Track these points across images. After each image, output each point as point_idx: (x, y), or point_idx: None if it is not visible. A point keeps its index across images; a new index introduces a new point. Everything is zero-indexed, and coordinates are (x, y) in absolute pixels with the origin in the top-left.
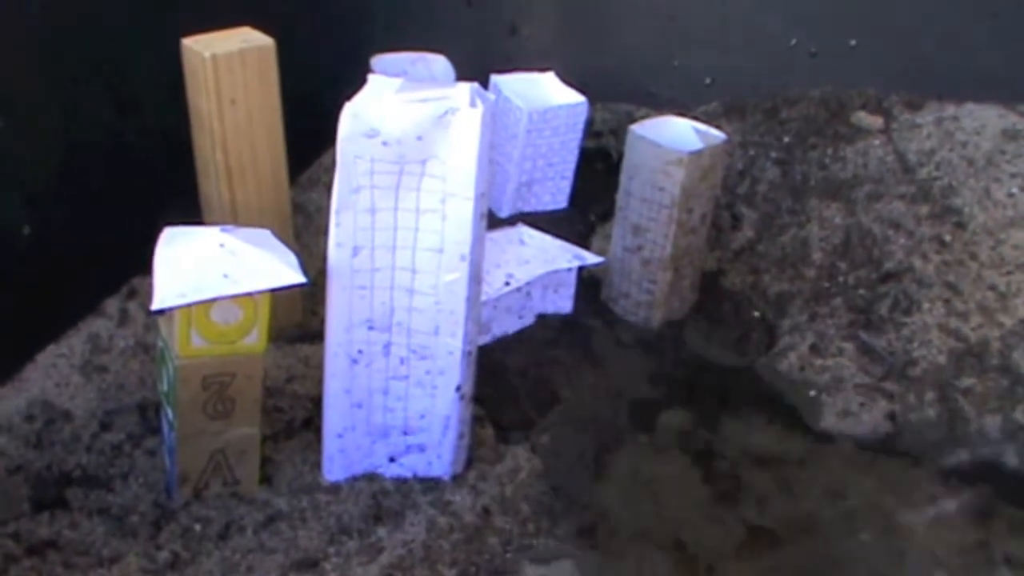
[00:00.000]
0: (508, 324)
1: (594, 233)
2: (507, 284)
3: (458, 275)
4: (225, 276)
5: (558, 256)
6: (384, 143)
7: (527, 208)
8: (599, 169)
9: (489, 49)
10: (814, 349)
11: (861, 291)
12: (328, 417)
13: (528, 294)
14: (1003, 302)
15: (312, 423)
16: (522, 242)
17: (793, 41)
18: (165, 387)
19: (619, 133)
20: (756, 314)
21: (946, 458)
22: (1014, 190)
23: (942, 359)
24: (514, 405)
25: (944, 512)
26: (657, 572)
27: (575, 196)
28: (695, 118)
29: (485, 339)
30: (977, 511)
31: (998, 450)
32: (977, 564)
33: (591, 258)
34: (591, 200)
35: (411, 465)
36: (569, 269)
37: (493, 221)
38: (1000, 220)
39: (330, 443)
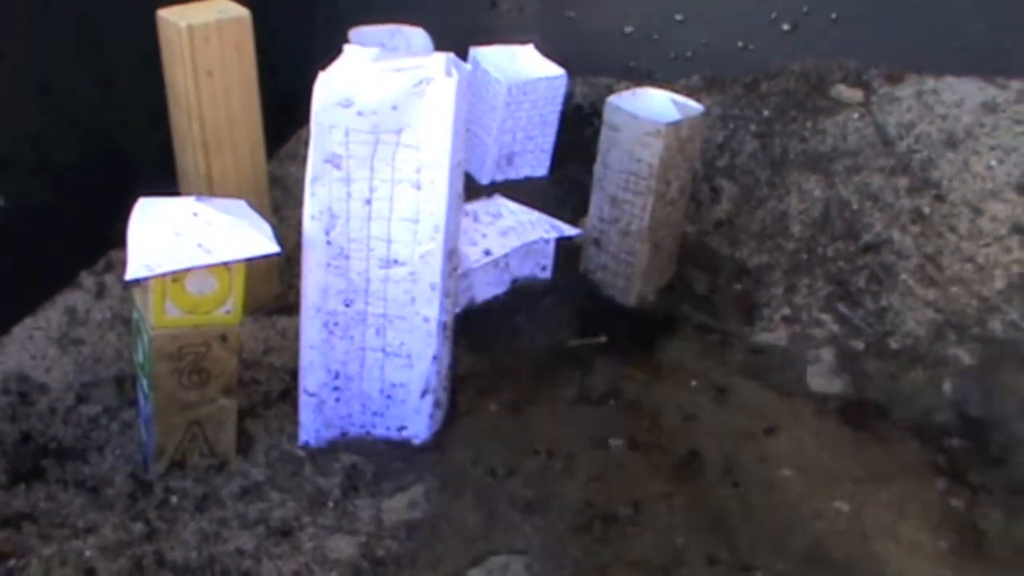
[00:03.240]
0: (485, 294)
1: (574, 204)
2: (485, 255)
3: (433, 246)
4: (199, 246)
5: (535, 227)
6: (359, 113)
7: (508, 177)
8: (580, 141)
9: (468, 22)
10: (792, 320)
11: (840, 263)
12: (304, 388)
13: (506, 265)
14: (981, 274)
15: (289, 395)
16: (500, 214)
17: (773, 14)
18: (140, 358)
19: (599, 106)
20: (738, 287)
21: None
22: (992, 163)
23: (920, 330)
24: (489, 372)
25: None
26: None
27: (556, 168)
28: (675, 91)
29: (461, 308)
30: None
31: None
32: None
33: (569, 230)
34: (571, 172)
35: (387, 434)
36: (547, 240)
37: (473, 188)
38: (979, 192)
39: (306, 414)
